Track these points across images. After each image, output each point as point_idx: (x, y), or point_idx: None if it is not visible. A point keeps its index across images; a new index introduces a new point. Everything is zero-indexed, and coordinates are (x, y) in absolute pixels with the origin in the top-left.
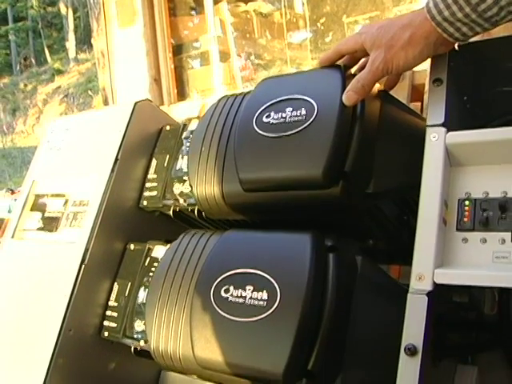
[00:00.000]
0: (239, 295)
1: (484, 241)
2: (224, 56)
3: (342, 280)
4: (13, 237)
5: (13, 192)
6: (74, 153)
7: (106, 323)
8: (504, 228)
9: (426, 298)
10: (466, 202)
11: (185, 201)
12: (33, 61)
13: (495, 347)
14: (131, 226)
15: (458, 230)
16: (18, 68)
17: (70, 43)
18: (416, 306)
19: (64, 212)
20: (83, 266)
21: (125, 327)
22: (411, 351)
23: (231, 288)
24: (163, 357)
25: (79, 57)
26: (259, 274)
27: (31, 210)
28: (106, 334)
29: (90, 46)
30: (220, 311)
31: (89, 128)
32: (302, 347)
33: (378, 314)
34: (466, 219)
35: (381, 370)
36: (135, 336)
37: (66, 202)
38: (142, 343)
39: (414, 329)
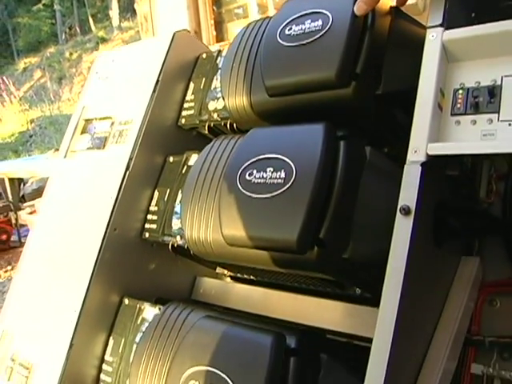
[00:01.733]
0: (261, 176)
1: (474, 122)
2: (262, 9)
3: (350, 163)
4: (65, 157)
5: None
6: (120, 80)
7: (146, 226)
8: (492, 110)
9: (420, 168)
10: (460, 91)
11: (218, 115)
12: (77, 30)
13: (492, 234)
14: (170, 143)
15: (452, 114)
16: (64, 37)
17: (114, 11)
18: (411, 174)
19: (111, 132)
20: (127, 172)
21: (163, 227)
22: (405, 211)
23: (254, 171)
24: (196, 243)
25: (123, 25)
26: (279, 158)
27: (81, 133)
28: (147, 234)
29: (133, 14)
30: (244, 191)
31: (133, 57)
32: (313, 218)
33: (385, 194)
34: (459, 105)
35: (385, 241)
36: (173, 233)
37: (113, 123)
38: (178, 239)
39: (408, 193)
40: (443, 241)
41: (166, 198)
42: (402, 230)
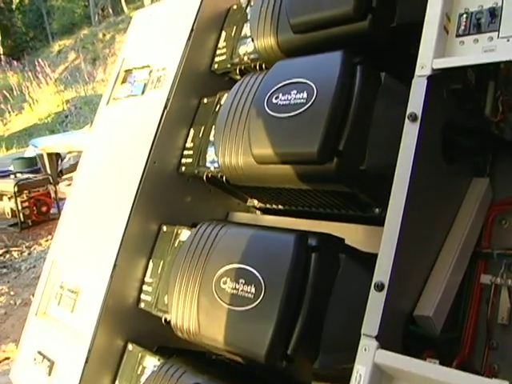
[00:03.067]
0: (286, 98)
1: (476, 41)
2: None
3: (366, 84)
4: (107, 104)
5: None
6: (157, 31)
7: (183, 160)
8: (492, 29)
9: (426, 80)
10: (464, 15)
11: (248, 58)
12: (110, 11)
13: (499, 153)
14: (204, 87)
15: (456, 36)
16: (97, 19)
17: None
18: (418, 86)
19: (149, 79)
20: (165, 111)
21: (199, 159)
22: (412, 117)
23: (280, 95)
24: (229, 168)
25: None
26: (301, 81)
27: (122, 83)
28: (184, 168)
29: None
30: (271, 113)
31: (169, 10)
32: (332, 131)
33: (398, 114)
34: (463, 27)
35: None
36: (207, 165)
37: (151, 71)
38: (212, 169)
39: (415, 102)
40: (453, 157)
41: (200, 135)
42: (409, 135)
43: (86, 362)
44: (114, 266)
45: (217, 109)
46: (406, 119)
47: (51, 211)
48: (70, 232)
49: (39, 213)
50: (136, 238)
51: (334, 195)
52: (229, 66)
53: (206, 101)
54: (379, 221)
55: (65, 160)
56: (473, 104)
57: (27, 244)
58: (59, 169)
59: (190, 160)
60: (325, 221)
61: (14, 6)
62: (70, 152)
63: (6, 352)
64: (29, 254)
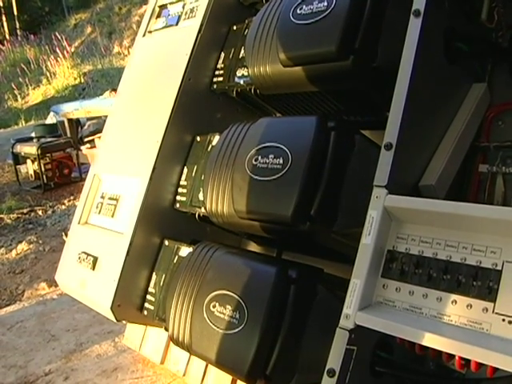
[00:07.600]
0: (309, 8)
1: None
2: None
3: None
4: (143, 36)
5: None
6: None
7: (215, 79)
8: None
9: None
10: None
11: None
12: None
13: (496, 58)
14: (233, 17)
15: None
16: None
17: None
18: None
19: (183, 11)
20: (199, 35)
21: (229, 77)
22: (416, 13)
23: (304, 6)
24: (258, 77)
25: None
26: None
27: (156, 18)
28: (215, 86)
29: None
30: (296, 21)
31: None
32: (349, 32)
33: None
34: None
35: None
36: (236, 80)
37: (184, 5)
38: (241, 82)
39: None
40: (453, 59)
41: (231, 56)
42: (413, 28)
43: (127, 254)
44: (153, 169)
45: (245, 33)
46: (411, 15)
47: (72, 175)
48: (111, 147)
49: (61, 175)
50: (172, 146)
51: (350, 96)
52: None
53: (235, 27)
54: None
55: (84, 127)
56: (470, 7)
57: (50, 204)
58: (79, 136)
59: (221, 79)
60: None
61: None
62: (89, 119)
63: (38, 290)
64: (53, 212)
